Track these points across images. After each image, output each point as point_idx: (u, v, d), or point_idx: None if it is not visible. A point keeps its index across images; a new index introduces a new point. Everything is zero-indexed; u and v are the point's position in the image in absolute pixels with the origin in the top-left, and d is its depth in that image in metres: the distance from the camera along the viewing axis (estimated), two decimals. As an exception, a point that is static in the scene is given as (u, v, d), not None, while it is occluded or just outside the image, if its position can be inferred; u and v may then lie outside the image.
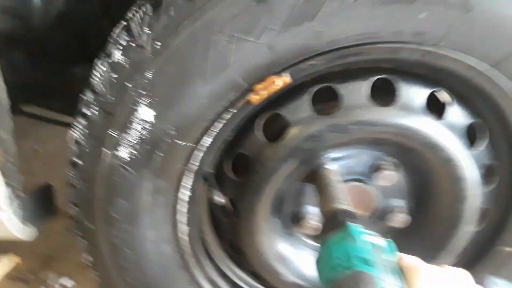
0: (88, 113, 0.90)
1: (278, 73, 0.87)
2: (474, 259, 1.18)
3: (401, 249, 1.13)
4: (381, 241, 0.73)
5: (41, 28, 1.08)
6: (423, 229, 1.11)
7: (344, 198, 0.91)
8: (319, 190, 0.99)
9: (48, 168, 1.21)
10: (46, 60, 1.16)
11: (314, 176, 1.04)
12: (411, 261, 0.72)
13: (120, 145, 0.91)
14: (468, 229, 1.06)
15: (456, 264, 1.19)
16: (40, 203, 1.11)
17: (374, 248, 0.70)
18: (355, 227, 0.73)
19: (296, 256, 1.16)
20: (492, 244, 1.14)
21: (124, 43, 0.84)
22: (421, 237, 1.11)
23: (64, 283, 1.74)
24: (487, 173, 1.04)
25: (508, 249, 1.12)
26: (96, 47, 0.90)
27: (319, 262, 0.76)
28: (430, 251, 1.09)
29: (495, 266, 1.14)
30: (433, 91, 0.96)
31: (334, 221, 0.79)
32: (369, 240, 0.71)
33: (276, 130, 1.01)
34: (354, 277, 0.64)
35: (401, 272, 0.69)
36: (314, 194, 1.10)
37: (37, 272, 1.79)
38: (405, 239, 1.13)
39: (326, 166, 1.04)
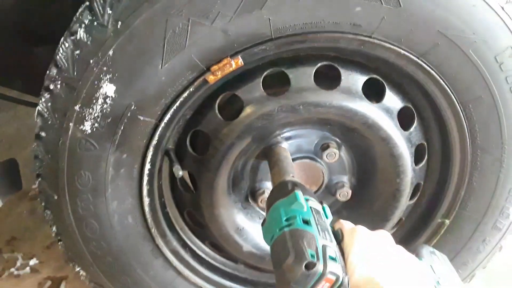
0: (52, 87, 0.94)
1: (231, 56, 0.93)
2: (415, 230, 1.28)
3: (345, 218, 1.25)
4: (320, 207, 0.82)
5: (1, 8, 1.09)
6: (365, 202, 1.20)
7: (292, 171, 0.98)
8: (271, 165, 1.06)
9: (7, 151, 1.23)
10: (7, 40, 1.17)
11: (268, 153, 1.12)
12: (348, 224, 0.82)
13: (83, 118, 0.95)
14: (403, 201, 1.17)
15: (397, 234, 1.30)
16: (5, 176, 1.14)
17: (315, 212, 0.78)
18: (301, 195, 0.81)
19: (253, 228, 1.24)
20: (430, 216, 1.25)
21: (87, 21, 0.88)
22: (364, 209, 1.20)
23: (28, 262, 1.76)
24: (418, 152, 1.14)
25: (444, 220, 1.24)
26: (60, 26, 0.94)
27: (267, 224, 0.84)
28: (371, 222, 1.19)
29: (433, 236, 1.25)
30: (370, 77, 1.05)
31: (283, 190, 0.87)
32: (311, 206, 0.79)
33: (232, 110, 1.08)
34: (298, 234, 0.71)
35: (339, 233, 0.78)
36: (268, 171, 1.18)
37: (0, 252, 1.79)
38: (349, 211, 1.23)
39: (278, 144, 1.13)
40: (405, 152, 1.09)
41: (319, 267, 0.65)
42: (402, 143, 1.08)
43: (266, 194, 1.18)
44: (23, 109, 2.37)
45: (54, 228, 1.13)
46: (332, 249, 0.69)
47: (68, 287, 1.67)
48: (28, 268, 1.73)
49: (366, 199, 1.20)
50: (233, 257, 1.30)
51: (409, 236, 1.28)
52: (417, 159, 1.15)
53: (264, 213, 1.25)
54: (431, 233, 1.25)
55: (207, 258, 1.30)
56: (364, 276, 0.70)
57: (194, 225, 1.25)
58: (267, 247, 1.23)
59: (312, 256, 0.66)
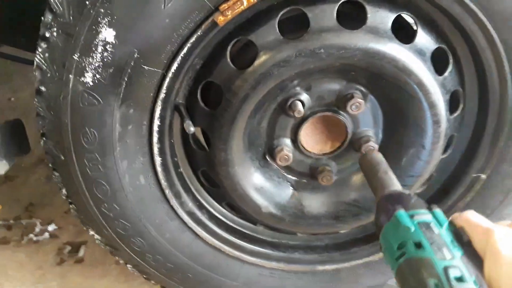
0: (48, 35, 0.85)
1: (243, -8, 0.83)
2: (447, 186, 1.18)
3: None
4: (428, 216, 0.68)
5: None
6: (393, 157, 1.09)
7: (391, 181, 0.85)
8: (366, 175, 0.93)
9: (21, 116, 1.17)
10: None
11: (360, 160, 0.96)
12: (476, 220, 0.63)
13: (83, 69, 0.86)
14: (436, 155, 1.06)
15: (430, 189, 1.19)
16: (10, 137, 1.07)
17: (425, 227, 0.66)
18: (403, 214, 0.70)
19: (271, 187, 1.16)
20: (464, 172, 1.14)
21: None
22: (391, 162, 1.09)
23: (47, 228, 1.74)
24: (452, 100, 1.02)
25: (479, 175, 1.12)
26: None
27: (383, 251, 0.73)
28: (400, 178, 1.09)
29: (467, 192, 1.14)
30: (399, 14, 0.92)
31: (385, 210, 0.76)
32: (419, 221, 0.67)
33: (246, 57, 0.97)
34: (413, 264, 0.63)
35: (465, 233, 0.64)
36: (286, 126, 1.09)
37: (19, 218, 1.77)
38: (374, 166, 1.13)
39: (297, 96, 1.02)
40: (439, 100, 0.98)
41: None
42: (436, 89, 0.96)
43: (285, 152, 1.09)
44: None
45: (64, 191, 1.08)
46: (456, 267, 0.60)
47: (87, 252, 1.64)
48: (47, 234, 1.71)
49: (394, 153, 1.09)
50: (251, 219, 1.23)
51: (441, 193, 1.18)
52: (451, 108, 1.03)
53: (282, 172, 1.16)
54: (465, 189, 1.15)
55: (224, 220, 1.23)
56: None
57: (210, 185, 1.18)
58: (287, 207, 1.17)
59: (437, 285, 0.59)
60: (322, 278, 1.28)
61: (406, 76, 0.94)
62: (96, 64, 0.86)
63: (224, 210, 1.24)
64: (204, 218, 1.19)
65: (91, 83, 0.88)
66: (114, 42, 0.83)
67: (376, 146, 1.07)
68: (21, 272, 1.57)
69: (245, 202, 1.13)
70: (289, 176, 1.17)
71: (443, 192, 1.18)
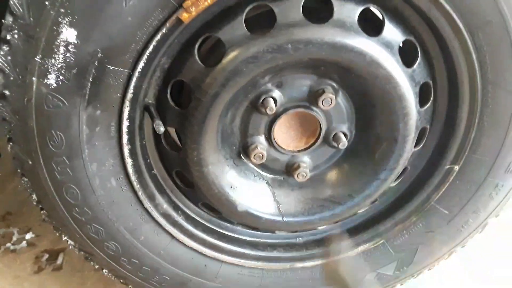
0: (9, 37, 0.82)
1: (206, -12, 0.81)
2: (421, 179, 1.18)
3: (346, 170, 1.15)
4: None
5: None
6: (366, 151, 1.10)
7: None
8: None
9: None
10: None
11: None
12: None
13: (46, 71, 0.84)
14: (408, 148, 1.06)
15: (404, 183, 1.19)
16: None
17: None
18: None
19: (247, 186, 1.14)
20: (437, 163, 1.14)
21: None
22: (365, 158, 1.10)
23: (24, 236, 1.70)
24: (422, 92, 1.02)
25: (453, 166, 1.13)
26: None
27: None
28: (374, 172, 1.10)
29: (441, 184, 1.15)
30: (366, 7, 0.92)
31: None
32: None
33: (214, 55, 0.96)
34: None
35: None
36: (259, 124, 1.08)
37: (-5, 227, 1.74)
38: (350, 161, 1.13)
39: (269, 93, 1.01)
40: (408, 92, 0.98)
41: None
42: (405, 81, 0.96)
43: (259, 149, 1.08)
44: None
45: (34, 196, 1.05)
46: None
47: (66, 259, 1.61)
48: (24, 242, 1.67)
49: (367, 147, 1.09)
50: (228, 218, 1.21)
51: (416, 186, 1.18)
52: (422, 101, 1.03)
53: (257, 170, 1.15)
54: (439, 181, 1.15)
55: (201, 221, 1.22)
56: None
57: (185, 186, 1.16)
58: (263, 206, 1.16)
59: None
60: (301, 275, 1.27)
61: (374, 69, 0.94)
62: (59, 65, 0.84)
63: (200, 211, 1.22)
64: (180, 220, 1.17)
65: (54, 85, 0.86)
66: (76, 42, 0.81)
67: (349, 140, 1.07)
68: (-2, 282, 1.54)
69: (221, 201, 1.12)
70: (265, 174, 1.17)
71: (417, 185, 1.18)
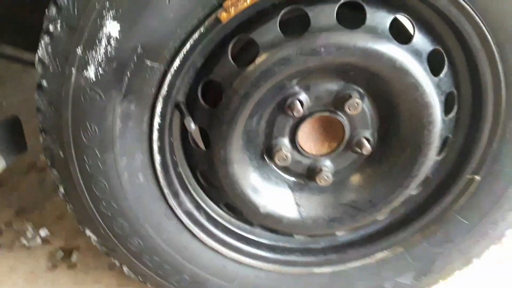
0: (52, 29, 0.85)
1: (246, -10, 0.84)
2: (441, 188, 1.18)
3: (368, 176, 1.16)
4: None
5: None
6: (389, 157, 1.10)
7: None
8: None
9: None
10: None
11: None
12: None
13: (86, 63, 0.86)
14: (431, 156, 1.07)
15: (425, 191, 1.19)
16: (7, 134, 1.06)
17: None
18: None
19: (269, 188, 1.15)
20: (458, 173, 1.14)
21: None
22: (388, 165, 1.10)
23: (39, 233, 1.70)
24: (447, 101, 1.04)
25: (474, 177, 1.13)
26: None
27: None
28: (395, 178, 1.10)
29: (461, 194, 1.15)
30: (397, 16, 0.94)
31: None
32: None
33: (247, 55, 0.98)
34: None
35: None
36: (284, 126, 1.09)
37: (10, 223, 1.72)
38: (372, 167, 1.14)
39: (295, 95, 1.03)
40: (434, 100, 0.99)
41: None
42: (432, 90, 0.98)
43: (283, 152, 1.09)
44: (29, 78, 2.31)
45: (61, 189, 1.06)
46: None
47: (80, 257, 1.61)
48: (38, 239, 1.67)
49: (390, 154, 1.10)
50: (249, 220, 1.22)
51: (436, 194, 1.19)
52: (446, 110, 1.04)
53: (280, 172, 1.16)
54: (460, 191, 1.15)
55: (222, 221, 1.22)
56: None
57: (208, 185, 1.17)
58: (284, 209, 1.17)
59: None
60: (319, 281, 1.27)
61: (403, 76, 0.95)
62: (99, 59, 0.86)
63: (221, 211, 1.22)
64: (201, 219, 1.17)
65: (93, 78, 0.88)
66: (118, 36, 0.83)
67: (373, 146, 1.08)
68: (12, 278, 1.53)
69: (244, 202, 1.12)
70: (287, 177, 1.17)
71: (438, 194, 1.18)
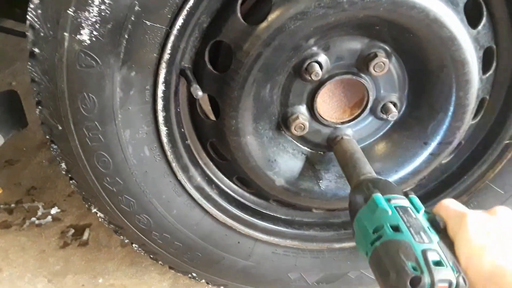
0: (39, -12, 0.76)
1: None
2: (476, 155, 1.09)
3: (394, 144, 1.06)
4: (405, 202, 0.70)
5: None
6: (419, 122, 1.00)
7: (367, 166, 0.89)
8: (341, 162, 0.97)
9: (23, 101, 1.08)
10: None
11: (334, 147, 1.02)
12: (452, 206, 0.66)
13: (79, 25, 0.77)
14: (466, 119, 0.96)
15: (457, 159, 1.10)
16: (5, 108, 0.99)
17: (402, 211, 0.67)
18: (381, 198, 0.71)
19: (285, 159, 1.07)
20: (495, 138, 1.05)
21: None
22: (415, 130, 1.01)
23: (50, 211, 1.67)
24: (485, 57, 0.92)
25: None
26: None
27: (356, 237, 0.74)
28: (423, 145, 1.01)
29: (497, 161, 1.05)
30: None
31: (361, 194, 0.78)
32: (396, 205, 0.68)
33: (259, 12, 0.88)
34: (391, 246, 0.62)
35: (439, 220, 0.66)
36: (302, 92, 1.00)
37: (20, 202, 1.69)
38: (398, 133, 1.05)
39: (315, 57, 0.93)
40: (472, 57, 0.88)
41: (426, 279, 0.57)
42: (469, 44, 0.87)
43: (300, 120, 1.00)
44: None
45: (63, 165, 1.00)
46: (434, 251, 0.60)
47: (92, 234, 1.58)
48: (49, 217, 1.64)
49: (419, 119, 1.00)
50: (264, 194, 1.14)
51: (469, 162, 1.09)
52: (484, 67, 0.93)
53: (297, 143, 1.07)
54: (496, 157, 1.06)
55: (235, 196, 1.15)
56: (487, 267, 0.57)
57: (219, 158, 1.10)
58: (301, 181, 1.09)
59: (414, 268, 0.58)
60: (339, 256, 1.20)
61: (437, 30, 0.84)
62: (93, 20, 0.77)
63: (234, 186, 1.15)
64: (213, 194, 1.11)
65: (88, 41, 0.79)
66: (112, -8, 0.74)
67: (400, 110, 0.99)
68: (23, 256, 1.51)
69: (258, 175, 1.05)
70: (304, 148, 1.09)
71: (472, 161, 1.09)
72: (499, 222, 0.62)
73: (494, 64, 0.96)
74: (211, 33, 0.89)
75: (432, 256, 0.59)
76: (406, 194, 0.73)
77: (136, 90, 0.87)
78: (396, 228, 0.64)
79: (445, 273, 0.57)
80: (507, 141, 1.03)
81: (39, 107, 0.90)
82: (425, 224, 0.66)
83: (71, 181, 1.03)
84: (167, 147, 0.97)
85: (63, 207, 1.69)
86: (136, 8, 0.76)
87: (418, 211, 0.69)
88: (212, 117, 1.03)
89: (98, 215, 1.08)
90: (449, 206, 0.66)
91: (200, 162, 1.09)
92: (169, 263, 1.18)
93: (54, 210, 1.67)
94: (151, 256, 1.16)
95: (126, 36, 0.79)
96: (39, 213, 1.67)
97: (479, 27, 0.89)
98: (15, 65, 2.36)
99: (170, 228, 1.07)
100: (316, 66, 0.92)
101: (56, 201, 1.71)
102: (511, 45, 0.94)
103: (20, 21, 1.29)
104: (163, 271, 1.43)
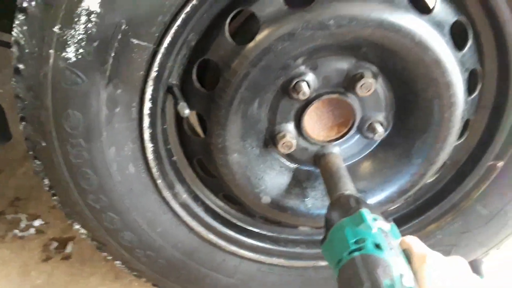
0: (26, 5, 0.75)
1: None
2: (460, 175, 1.10)
3: (380, 163, 1.07)
4: (387, 226, 0.72)
5: None
6: (403, 141, 1.02)
7: (351, 184, 0.90)
8: (324, 175, 0.98)
9: (10, 109, 1.07)
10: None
11: (319, 161, 1.02)
12: (416, 245, 0.69)
13: (64, 43, 0.77)
14: (451, 140, 0.98)
15: (442, 178, 1.12)
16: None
17: (384, 233, 0.70)
18: (368, 214, 0.73)
19: (272, 177, 1.07)
20: (479, 159, 1.06)
21: None
22: (401, 149, 1.02)
23: (33, 223, 1.64)
24: (470, 79, 0.94)
25: (496, 163, 1.05)
26: None
27: (329, 244, 0.76)
28: (409, 164, 1.02)
29: (481, 181, 1.07)
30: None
31: (345, 206, 0.80)
32: (380, 226, 0.71)
33: (247, 32, 0.89)
34: (371, 261, 0.65)
35: (407, 254, 0.69)
36: (289, 110, 1.00)
37: (3, 213, 1.66)
38: (385, 153, 1.06)
39: (302, 77, 0.93)
40: (457, 79, 0.90)
41: None
42: (455, 67, 0.88)
43: (287, 138, 1.00)
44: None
45: (46, 181, 0.98)
46: (409, 277, 0.63)
47: (75, 248, 1.55)
48: (32, 229, 1.61)
49: (405, 139, 1.01)
50: (250, 211, 1.14)
51: (454, 182, 1.10)
52: (469, 89, 0.95)
53: (284, 161, 1.07)
54: (480, 178, 1.07)
55: (221, 213, 1.15)
56: None
57: (206, 175, 1.09)
58: (287, 199, 1.09)
59: (389, 286, 0.61)
60: (325, 274, 1.20)
61: (423, 52, 0.85)
62: (79, 37, 0.77)
63: (220, 202, 1.15)
64: (199, 211, 1.10)
65: (73, 59, 0.78)
66: (99, 11, 0.74)
67: (386, 130, 1.00)
68: (5, 269, 1.48)
69: (244, 192, 1.04)
70: (291, 165, 1.09)
71: (456, 181, 1.10)
72: (455, 272, 0.65)
73: (479, 86, 0.97)
74: (199, 51, 0.90)
75: (407, 282, 0.61)
76: (388, 220, 0.75)
77: (122, 108, 0.87)
78: (377, 246, 0.67)
79: None
80: (491, 162, 1.04)
81: (23, 122, 0.89)
82: (401, 252, 0.68)
83: (53, 197, 1.01)
84: (152, 163, 0.97)
85: (47, 219, 1.67)
86: (123, 26, 0.76)
87: (396, 238, 0.71)
88: (201, 133, 1.03)
89: (80, 231, 1.06)
90: (411, 244, 0.69)
91: (186, 178, 1.08)
92: (153, 280, 1.17)
93: (37, 222, 1.65)
94: (135, 273, 1.15)
95: (113, 54, 0.79)
96: (22, 225, 1.64)
97: (465, 50, 0.90)
98: (2, 73, 2.33)
99: (155, 246, 1.06)
100: (304, 85, 0.93)
101: (41, 213, 1.69)
102: (496, 67, 0.96)
103: (8, 32, 1.27)
104: (147, 286, 1.41)
